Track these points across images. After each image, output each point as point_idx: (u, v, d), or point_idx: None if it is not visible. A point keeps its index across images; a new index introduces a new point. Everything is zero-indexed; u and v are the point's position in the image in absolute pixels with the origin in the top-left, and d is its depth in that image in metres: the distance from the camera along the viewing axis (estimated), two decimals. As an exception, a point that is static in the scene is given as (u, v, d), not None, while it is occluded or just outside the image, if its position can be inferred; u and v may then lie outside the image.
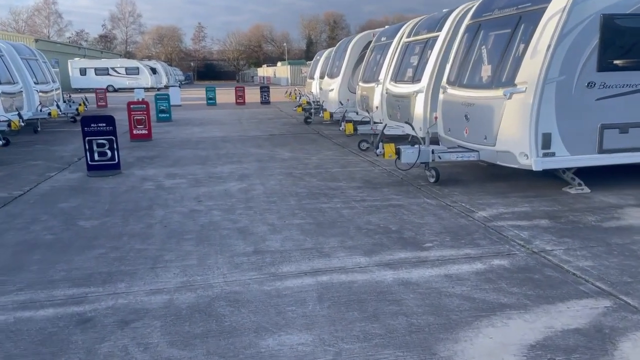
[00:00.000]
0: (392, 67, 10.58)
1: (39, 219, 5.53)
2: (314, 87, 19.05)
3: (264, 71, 77.45)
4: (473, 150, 6.70)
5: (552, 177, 6.53)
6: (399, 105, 9.90)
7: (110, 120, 7.84)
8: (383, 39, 11.89)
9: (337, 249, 4.47)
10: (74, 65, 43.84)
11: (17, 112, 12.37)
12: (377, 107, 10.99)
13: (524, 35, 6.14)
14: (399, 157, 6.78)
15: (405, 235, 4.79)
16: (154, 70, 45.47)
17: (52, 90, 16.44)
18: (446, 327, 3.07)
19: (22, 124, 11.98)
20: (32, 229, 5.21)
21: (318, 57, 20.18)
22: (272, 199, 6.27)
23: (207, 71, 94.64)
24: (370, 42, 13.15)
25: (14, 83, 13.31)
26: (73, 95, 23.49)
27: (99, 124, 7.80)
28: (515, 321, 3.13)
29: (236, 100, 25.38)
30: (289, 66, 64.43)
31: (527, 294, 3.51)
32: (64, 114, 16.00)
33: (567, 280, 3.73)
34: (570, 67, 5.75)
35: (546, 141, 5.86)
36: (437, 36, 9.02)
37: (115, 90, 42.12)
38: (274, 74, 69.95)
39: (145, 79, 43.87)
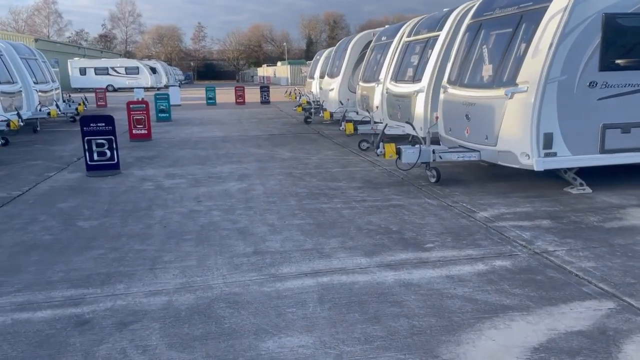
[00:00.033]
0: (393, 66, 10.55)
1: (37, 220, 5.50)
2: (314, 86, 19.03)
3: (264, 71, 77.41)
4: (474, 150, 6.68)
5: (554, 177, 6.50)
6: (399, 105, 9.86)
7: (109, 120, 7.82)
8: (383, 38, 11.86)
9: (337, 249, 4.44)
10: (73, 65, 43.82)
11: (16, 112, 12.33)
12: (377, 107, 10.96)
13: (525, 34, 6.11)
14: (399, 157, 6.75)
15: (406, 236, 4.76)
16: (153, 70, 45.42)
17: (51, 90, 16.40)
18: (448, 329, 3.04)
19: (21, 123, 11.96)
20: (30, 229, 5.18)
21: (318, 57, 20.16)
22: (272, 199, 6.24)
23: (207, 71, 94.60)
24: (370, 42, 13.12)
25: (13, 83, 13.27)
26: (73, 95, 23.44)
27: (98, 124, 7.78)
28: (517, 323, 3.10)
29: (236, 100, 25.36)
30: (288, 66, 64.37)
31: (530, 295, 3.48)
32: (64, 113, 15.97)
33: (570, 281, 3.70)
34: (572, 66, 5.72)
35: (548, 141, 5.84)
36: (438, 35, 8.99)
37: (115, 90, 42.09)
38: (274, 74, 69.91)
39: (145, 78, 43.82)
